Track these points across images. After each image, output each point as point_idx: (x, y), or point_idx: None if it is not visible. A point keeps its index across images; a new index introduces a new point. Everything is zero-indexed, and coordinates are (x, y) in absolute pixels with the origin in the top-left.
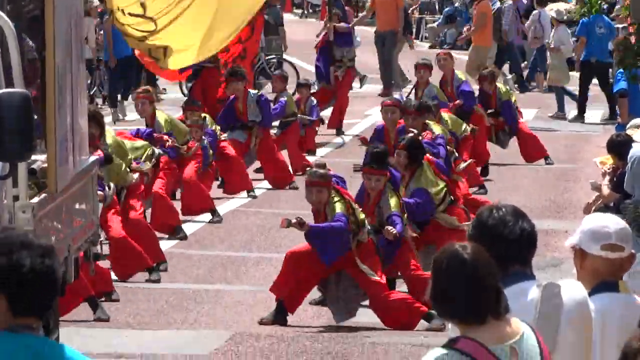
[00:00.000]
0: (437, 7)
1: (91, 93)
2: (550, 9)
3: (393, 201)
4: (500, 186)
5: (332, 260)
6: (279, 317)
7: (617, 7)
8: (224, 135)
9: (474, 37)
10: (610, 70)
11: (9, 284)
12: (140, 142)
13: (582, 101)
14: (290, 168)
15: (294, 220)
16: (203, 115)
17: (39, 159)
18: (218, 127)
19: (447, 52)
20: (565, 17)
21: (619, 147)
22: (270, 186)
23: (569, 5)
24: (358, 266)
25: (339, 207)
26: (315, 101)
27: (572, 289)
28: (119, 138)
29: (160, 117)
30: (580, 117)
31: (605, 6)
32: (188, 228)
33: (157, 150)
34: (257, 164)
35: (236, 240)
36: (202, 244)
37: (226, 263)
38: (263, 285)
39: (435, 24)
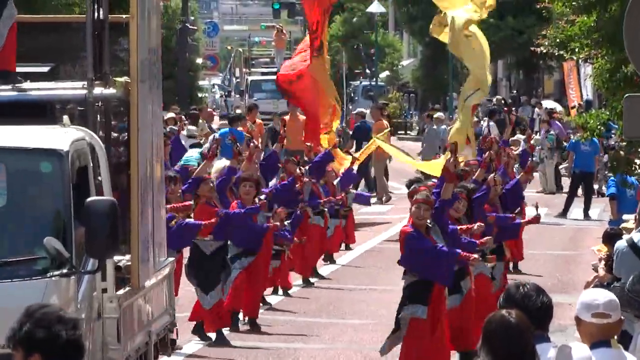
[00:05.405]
0: None
1: None
2: None
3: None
4: (522, 268)
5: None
6: None
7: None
8: None
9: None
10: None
11: (48, 352)
12: None
13: (568, 202)
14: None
15: None
16: None
17: (124, 258)
18: None
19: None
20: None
21: (611, 238)
22: (340, 264)
23: None
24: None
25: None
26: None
27: (580, 350)
28: None
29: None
30: (563, 214)
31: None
32: (274, 298)
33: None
34: None
35: (309, 309)
36: (283, 312)
37: (302, 326)
38: (332, 344)
39: None
